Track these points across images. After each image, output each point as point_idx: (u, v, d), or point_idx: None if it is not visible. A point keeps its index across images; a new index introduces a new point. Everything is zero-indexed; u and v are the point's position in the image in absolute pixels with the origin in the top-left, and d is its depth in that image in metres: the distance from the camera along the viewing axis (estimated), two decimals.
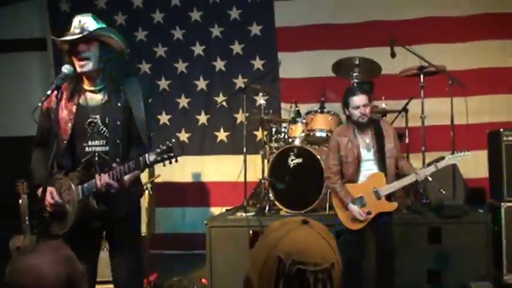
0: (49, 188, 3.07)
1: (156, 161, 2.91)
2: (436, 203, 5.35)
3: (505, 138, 5.12)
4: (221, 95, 7.40)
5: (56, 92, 3.07)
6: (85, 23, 3.07)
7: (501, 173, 5.13)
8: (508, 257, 5.01)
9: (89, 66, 3.10)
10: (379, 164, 4.49)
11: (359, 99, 4.42)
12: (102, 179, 2.97)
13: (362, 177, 4.54)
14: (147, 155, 2.92)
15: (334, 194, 4.61)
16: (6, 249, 5.30)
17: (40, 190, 3.03)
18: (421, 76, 5.57)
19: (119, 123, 3.13)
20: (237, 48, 7.41)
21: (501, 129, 5.19)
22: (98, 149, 3.14)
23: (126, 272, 3.22)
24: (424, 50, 5.90)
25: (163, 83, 7.59)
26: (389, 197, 4.48)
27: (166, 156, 2.90)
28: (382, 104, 5.92)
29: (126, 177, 3.04)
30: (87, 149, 3.15)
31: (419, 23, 6.78)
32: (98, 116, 3.14)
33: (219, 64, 7.45)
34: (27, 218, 5.01)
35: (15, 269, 1.65)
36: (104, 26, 3.16)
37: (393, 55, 5.58)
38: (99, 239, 3.37)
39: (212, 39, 7.46)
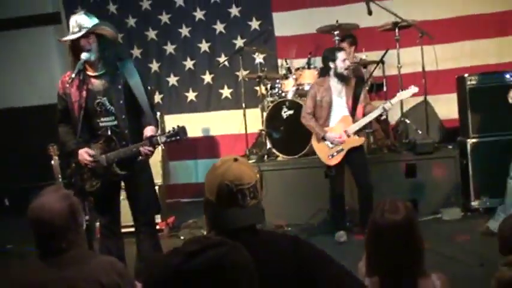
0: (84, 150, 3.85)
1: (166, 142, 3.77)
2: (411, 141, 6.09)
3: (468, 83, 5.75)
4: (223, 55, 8.07)
5: (67, 79, 3.83)
6: (81, 21, 3.77)
7: (466, 113, 5.82)
8: (474, 186, 5.74)
9: (91, 55, 3.82)
10: (350, 109, 5.31)
11: (340, 55, 5.33)
12: (145, 150, 3.75)
13: (333, 121, 5.38)
14: (159, 137, 3.76)
15: (311, 130, 5.47)
16: None
17: (78, 152, 3.84)
18: (396, 30, 6.23)
19: (121, 102, 3.87)
20: (234, 11, 8.04)
21: (465, 75, 5.84)
22: (109, 123, 3.90)
23: (144, 196, 4.04)
24: (398, 4, 6.56)
25: (169, 48, 8.28)
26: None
27: (174, 138, 3.76)
28: (363, 56, 6.60)
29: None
30: (100, 124, 3.91)
31: None
32: (104, 98, 3.88)
33: (219, 27, 8.11)
34: (59, 176, 5.85)
35: (32, 209, 2.30)
36: (96, 20, 3.85)
37: (370, 13, 6.20)
38: (118, 191, 4.18)
39: (211, 4, 8.09)
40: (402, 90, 5.30)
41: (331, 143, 5.32)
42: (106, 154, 3.88)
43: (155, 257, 1.73)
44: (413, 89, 5.22)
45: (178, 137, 3.74)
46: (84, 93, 3.88)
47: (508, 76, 5.20)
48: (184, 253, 1.42)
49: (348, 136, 5.26)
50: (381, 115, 5.23)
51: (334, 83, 5.38)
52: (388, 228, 2.26)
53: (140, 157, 3.82)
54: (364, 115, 5.29)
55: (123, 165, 3.91)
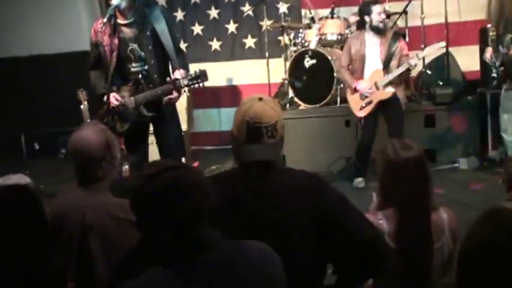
0: (112, 94, 4.09)
1: (188, 85, 4.03)
2: (431, 92, 6.17)
3: (491, 33, 5.77)
4: (247, 4, 8.10)
5: (99, 26, 4.03)
6: None
7: (488, 65, 5.84)
8: (492, 137, 5.83)
9: (122, 1, 3.99)
10: (383, 63, 5.39)
11: (376, 8, 5.40)
12: (173, 97, 4.03)
13: (367, 74, 5.48)
14: (181, 80, 3.99)
15: (344, 82, 5.66)
16: None
17: (105, 97, 4.07)
18: None
19: (150, 47, 4.09)
20: None
21: (488, 25, 5.86)
22: (140, 68, 4.14)
23: (171, 139, 4.30)
24: None
25: None
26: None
27: (195, 81, 4.01)
28: (386, 6, 6.60)
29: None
30: (132, 69, 4.15)
31: None
32: (135, 45, 4.09)
33: None
34: (88, 120, 6.08)
35: (72, 140, 2.54)
36: None
37: None
38: (147, 133, 4.43)
39: None
40: (427, 46, 5.40)
41: (362, 95, 5.44)
42: (134, 96, 4.08)
43: (122, 182, 1.94)
44: (442, 44, 5.34)
45: (199, 80, 3.96)
46: (116, 40, 4.08)
47: None
48: (144, 176, 1.67)
49: (377, 88, 5.37)
50: (409, 69, 5.34)
51: (369, 36, 5.48)
52: (405, 165, 2.41)
53: (164, 100, 4.04)
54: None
55: (150, 107, 4.13)
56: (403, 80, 5.62)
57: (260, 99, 2.22)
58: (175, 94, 4.05)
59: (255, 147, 2.15)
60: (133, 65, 4.13)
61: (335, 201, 2.15)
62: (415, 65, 5.31)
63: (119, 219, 2.43)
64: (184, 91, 6.39)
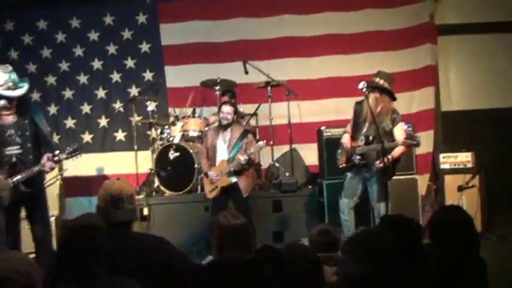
0: None
1: (66, 158, 4.72)
2: (278, 181, 7.20)
3: (325, 134, 6.99)
4: (118, 102, 8.85)
5: None
6: (13, 78, 4.59)
7: (323, 159, 7.01)
8: (329, 219, 6.84)
9: (12, 109, 4.66)
10: (229, 154, 6.32)
11: (224, 107, 6.41)
12: (49, 164, 4.63)
13: (217, 163, 6.39)
14: (60, 155, 4.65)
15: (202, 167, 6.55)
16: None
17: None
18: (269, 88, 7.39)
19: (27, 133, 4.70)
20: (130, 63, 8.90)
21: (322, 127, 7.07)
22: (15, 152, 4.70)
23: (41, 226, 4.82)
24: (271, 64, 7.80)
25: (67, 93, 8.93)
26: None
27: (73, 154, 4.73)
28: (240, 108, 7.67)
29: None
30: (6, 152, 4.68)
31: (276, 42, 8.47)
32: (13, 130, 4.68)
33: (116, 76, 8.91)
34: None
35: None
36: (26, 83, 4.69)
37: (246, 72, 7.40)
38: (19, 215, 4.91)
39: (108, 55, 8.90)
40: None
41: (211, 180, 6.32)
42: (11, 177, 4.62)
43: None
44: (261, 144, 6.35)
45: (77, 153, 4.70)
46: None
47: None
48: None
49: (222, 176, 6.28)
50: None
51: (222, 130, 6.44)
52: (235, 229, 3.20)
53: (43, 169, 4.65)
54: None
55: (28, 184, 4.68)
56: (249, 171, 6.51)
57: (118, 179, 3.02)
58: (52, 165, 4.67)
59: (118, 212, 2.92)
60: (8, 148, 4.66)
61: (177, 256, 2.98)
62: (245, 159, 6.15)
63: None
64: (58, 179, 6.96)
